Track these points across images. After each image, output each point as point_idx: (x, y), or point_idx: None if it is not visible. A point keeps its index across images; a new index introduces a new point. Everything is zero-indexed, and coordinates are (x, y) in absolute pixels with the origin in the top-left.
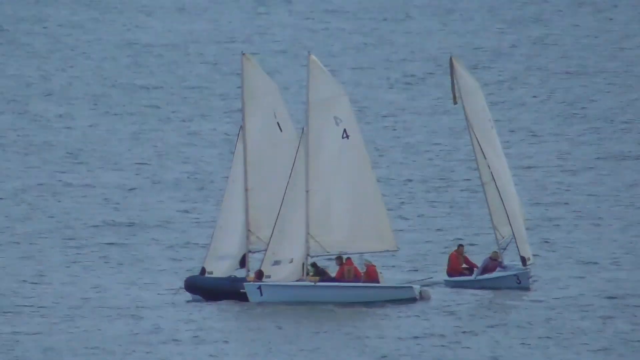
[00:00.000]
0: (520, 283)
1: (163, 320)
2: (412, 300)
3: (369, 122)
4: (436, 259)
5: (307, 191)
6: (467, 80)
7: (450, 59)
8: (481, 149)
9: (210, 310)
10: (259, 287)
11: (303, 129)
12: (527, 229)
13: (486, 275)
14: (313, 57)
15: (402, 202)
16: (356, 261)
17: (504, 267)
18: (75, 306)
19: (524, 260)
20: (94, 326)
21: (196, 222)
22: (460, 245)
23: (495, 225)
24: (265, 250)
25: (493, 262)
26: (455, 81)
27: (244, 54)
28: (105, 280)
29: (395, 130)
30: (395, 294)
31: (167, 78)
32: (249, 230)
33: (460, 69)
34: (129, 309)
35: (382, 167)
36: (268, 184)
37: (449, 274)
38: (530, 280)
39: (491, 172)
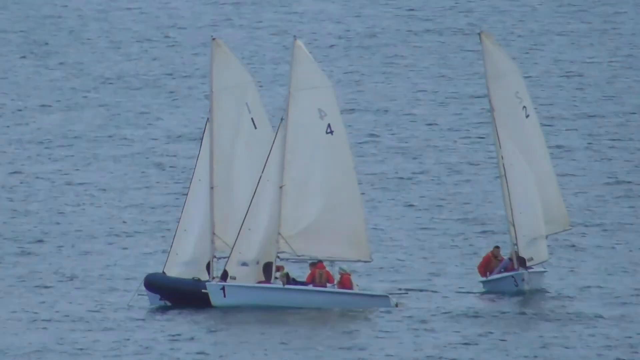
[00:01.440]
0: (517, 286)
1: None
2: (388, 310)
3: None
4: (429, 267)
5: (281, 187)
6: (498, 60)
7: (480, 35)
8: (498, 138)
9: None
10: (223, 288)
11: (282, 119)
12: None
13: (489, 277)
14: (299, 42)
15: (406, 203)
16: (329, 267)
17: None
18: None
19: (523, 261)
20: (51, 338)
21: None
22: (497, 247)
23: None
24: (231, 249)
25: (512, 263)
26: (483, 61)
27: (213, 39)
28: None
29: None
30: (370, 303)
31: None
32: (213, 233)
33: (492, 47)
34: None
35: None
36: (236, 185)
37: (480, 273)
38: (526, 282)
39: (503, 164)
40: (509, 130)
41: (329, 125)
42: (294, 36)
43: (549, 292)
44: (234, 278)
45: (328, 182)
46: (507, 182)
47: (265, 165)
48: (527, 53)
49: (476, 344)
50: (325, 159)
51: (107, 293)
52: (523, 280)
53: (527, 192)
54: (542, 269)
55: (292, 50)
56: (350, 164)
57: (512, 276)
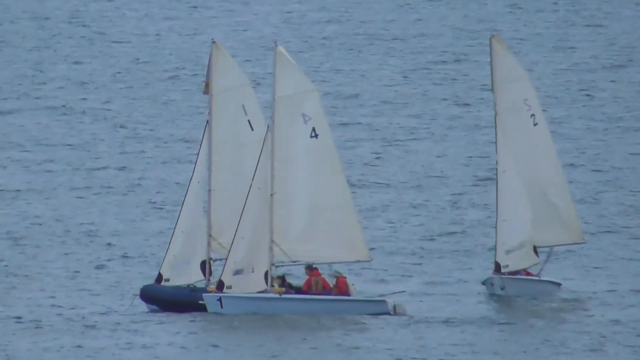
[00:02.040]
0: (492, 289)
1: (116, 336)
2: (386, 314)
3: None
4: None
5: (271, 194)
6: (508, 65)
7: (490, 39)
8: (497, 143)
9: (167, 325)
10: (219, 299)
11: (268, 126)
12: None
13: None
14: (280, 48)
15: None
16: (325, 273)
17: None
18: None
19: (498, 266)
20: (43, 342)
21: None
22: None
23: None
24: (226, 258)
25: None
26: (492, 66)
27: (214, 42)
28: (52, 292)
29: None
30: (367, 308)
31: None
32: (210, 235)
33: (502, 52)
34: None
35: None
36: (233, 187)
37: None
38: (497, 286)
39: (497, 169)
40: (511, 136)
41: (313, 129)
42: (275, 42)
43: (550, 298)
44: (230, 287)
45: (315, 186)
46: (497, 187)
47: (255, 172)
48: (542, 58)
49: (473, 348)
50: (311, 163)
51: (107, 296)
52: (492, 285)
53: (515, 199)
54: (538, 278)
55: (274, 57)
56: (337, 166)
57: (488, 279)
